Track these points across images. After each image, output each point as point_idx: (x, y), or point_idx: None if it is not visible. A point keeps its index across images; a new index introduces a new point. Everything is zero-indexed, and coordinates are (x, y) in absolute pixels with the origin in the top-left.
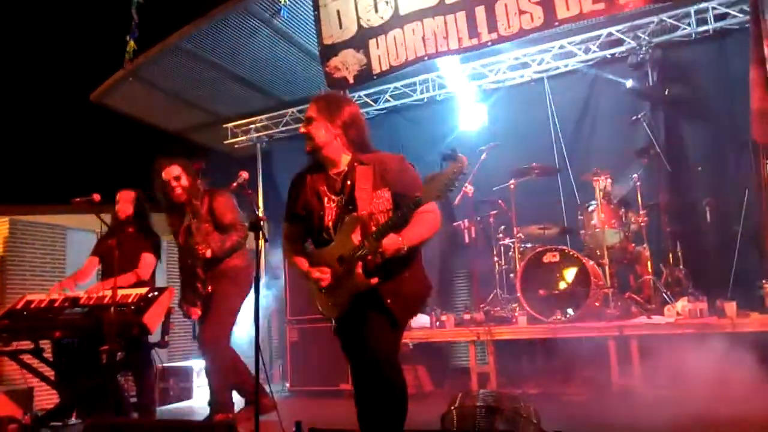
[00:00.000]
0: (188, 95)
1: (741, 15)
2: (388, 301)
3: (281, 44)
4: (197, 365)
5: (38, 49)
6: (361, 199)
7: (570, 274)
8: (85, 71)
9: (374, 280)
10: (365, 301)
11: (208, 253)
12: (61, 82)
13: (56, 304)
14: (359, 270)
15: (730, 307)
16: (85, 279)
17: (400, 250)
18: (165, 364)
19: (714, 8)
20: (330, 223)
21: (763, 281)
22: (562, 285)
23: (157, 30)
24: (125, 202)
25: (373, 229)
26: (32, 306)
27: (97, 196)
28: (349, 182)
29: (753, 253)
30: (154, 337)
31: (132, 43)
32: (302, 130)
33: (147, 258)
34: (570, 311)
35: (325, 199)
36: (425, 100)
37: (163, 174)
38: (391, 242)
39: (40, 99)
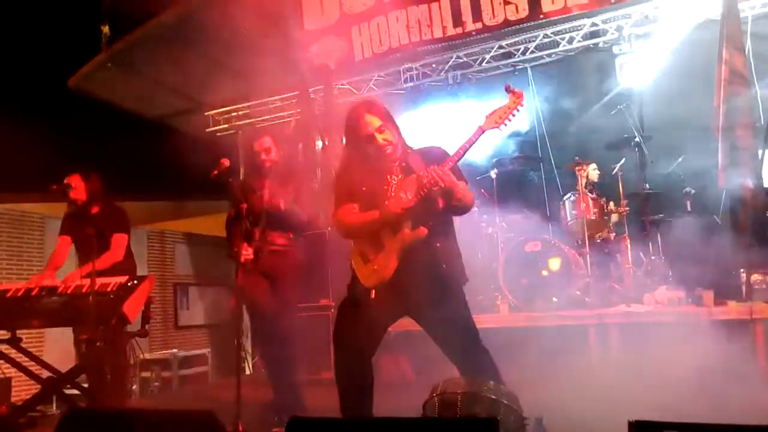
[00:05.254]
0: (169, 81)
1: (721, 7)
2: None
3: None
4: (179, 355)
5: (12, 33)
6: (418, 172)
7: (552, 263)
8: (61, 56)
9: (423, 230)
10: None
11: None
12: (37, 67)
13: (33, 293)
14: (408, 226)
15: (708, 295)
16: (62, 261)
17: (451, 183)
18: (146, 355)
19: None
20: (392, 195)
21: (741, 270)
22: (544, 274)
23: (137, 13)
24: (76, 189)
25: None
26: (8, 295)
27: (73, 184)
28: (404, 164)
29: (731, 243)
30: (134, 327)
31: (106, 28)
32: (381, 140)
33: (118, 238)
34: (551, 300)
35: (389, 177)
36: (409, 89)
37: (254, 144)
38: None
39: (15, 85)
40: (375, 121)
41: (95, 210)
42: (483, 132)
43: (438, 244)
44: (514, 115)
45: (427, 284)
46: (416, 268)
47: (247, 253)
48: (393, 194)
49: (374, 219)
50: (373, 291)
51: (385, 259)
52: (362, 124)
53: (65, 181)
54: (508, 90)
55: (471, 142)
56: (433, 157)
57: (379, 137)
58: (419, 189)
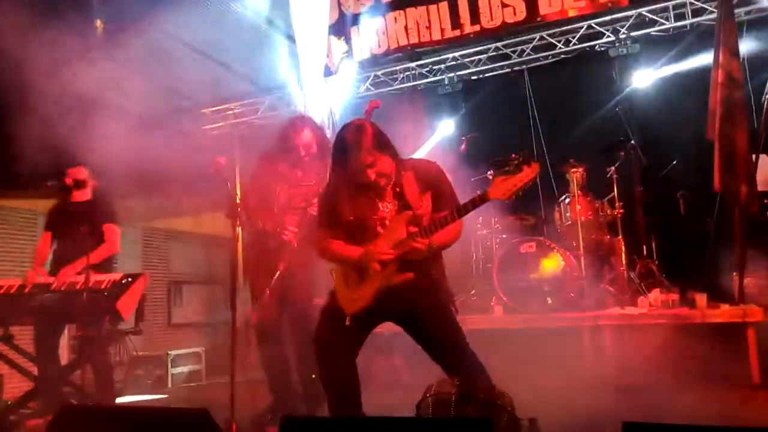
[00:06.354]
0: (164, 78)
1: (717, 11)
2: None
3: (261, 28)
4: (172, 353)
5: None
6: (413, 201)
7: (546, 264)
8: (54, 51)
9: (409, 275)
10: (388, 300)
11: None
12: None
13: (26, 290)
14: (395, 265)
15: (701, 298)
16: (46, 257)
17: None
18: (139, 352)
19: (692, 4)
20: (386, 223)
21: (734, 273)
22: (539, 275)
23: (130, 10)
24: (76, 182)
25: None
26: (1, 291)
27: (69, 180)
28: (398, 189)
29: (725, 246)
30: (128, 324)
31: (99, 22)
32: (373, 177)
33: (111, 229)
34: (546, 301)
35: (380, 205)
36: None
37: (294, 137)
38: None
39: (9, 80)
40: (367, 158)
41: (87, 203)
42: (488, 201)
43: (425, 271)
44: (525, 189)
45: (413, 306)
46: (402, 296)
47: (291, 231)
48: (387, 224)
49: (352, 258)
50: (349, 318)
51: (368, 291)
52: (353, 159)
53: (66, 174)
54: (523, 161)
55: (475, 205)
56: (428, 176)
57: (372, 173)
58: (405, 242)
